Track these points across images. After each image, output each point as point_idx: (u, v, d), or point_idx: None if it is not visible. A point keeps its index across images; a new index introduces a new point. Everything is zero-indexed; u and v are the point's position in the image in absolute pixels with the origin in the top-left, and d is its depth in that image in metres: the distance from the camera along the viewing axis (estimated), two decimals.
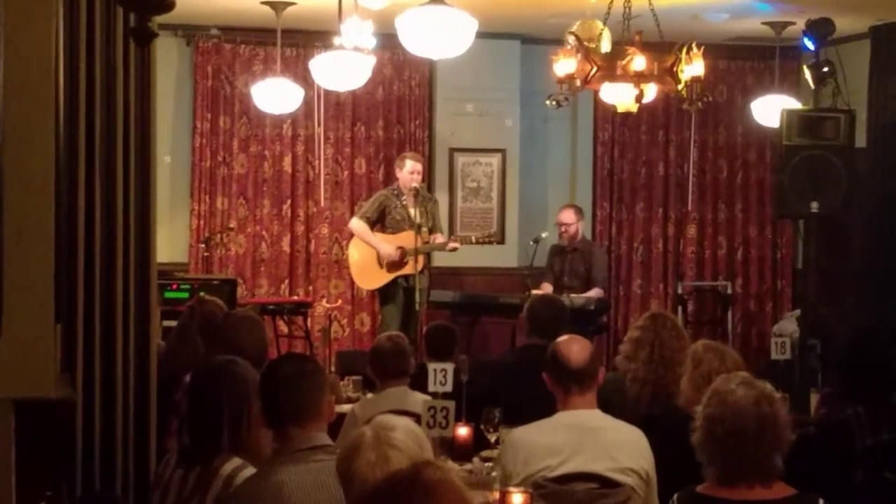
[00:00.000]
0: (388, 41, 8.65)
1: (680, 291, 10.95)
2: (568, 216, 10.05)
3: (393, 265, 9.33)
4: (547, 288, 9.74)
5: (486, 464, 4.86)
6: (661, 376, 5.41)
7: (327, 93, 10.03)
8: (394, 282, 9.37)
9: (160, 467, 4.03)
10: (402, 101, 10.83)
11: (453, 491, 2.32)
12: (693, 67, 7.22)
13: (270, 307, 9.62)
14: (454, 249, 9.48)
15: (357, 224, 9.55)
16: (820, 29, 7.58)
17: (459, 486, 2.34)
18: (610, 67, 7.18)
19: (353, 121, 10.75)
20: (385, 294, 9.51)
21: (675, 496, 3.55)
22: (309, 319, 10.13)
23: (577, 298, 9.44)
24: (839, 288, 10.33)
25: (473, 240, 9.63)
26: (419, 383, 5.51)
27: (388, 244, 9.34)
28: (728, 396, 3.45)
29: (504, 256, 10.80)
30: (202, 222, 10.42)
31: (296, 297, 10.31)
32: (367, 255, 9.44)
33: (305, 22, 9.67)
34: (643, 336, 5.57)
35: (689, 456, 3.60)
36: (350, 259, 9.72)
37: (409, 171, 9.38)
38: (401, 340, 5.81)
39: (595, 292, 9.78)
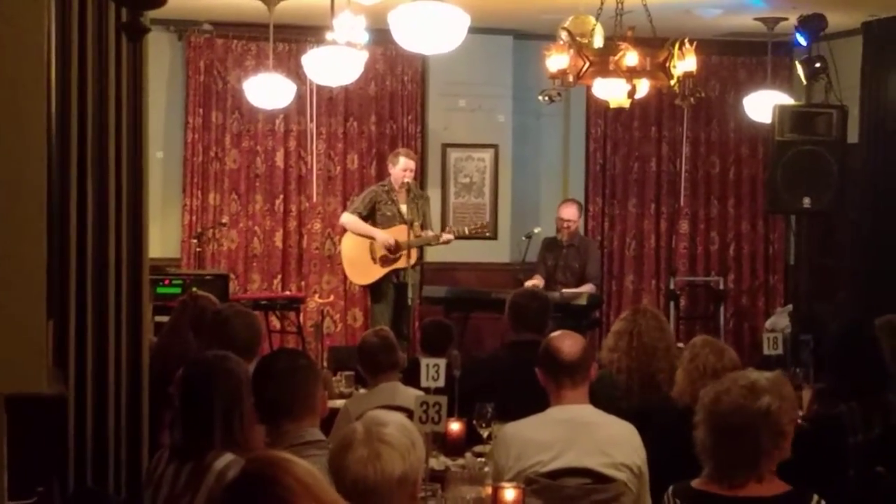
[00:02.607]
0: (380, 36, 8.65)
1: (672, 287, 10.95)
2: (571, 212, 9.97)
3: (386, 259, 9.29)
4: (538, 281, 9.65)
5: (479, 459, 4.86)
6: (644, 363, 5.44)
7: (320, 88, 10.02)
8: (385, 279, 9.32)
9: (152, 463, 4.02)
10: (395, 97, 10.82)
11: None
12: (685, 63, 7.22)
13: (263, 302, 9.57)
14: (447, 242, 9.40)
15: (348, 217, 9.51)
16: (812, 24, 7.61)
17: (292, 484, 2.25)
18: (602, 63, 7.18)
19: (345, 116, 10.74)
20: (375, 291, 9.47)
21: (671, 489, 3.55)
22: (301, 315, 10.11)
23: (570, 294, 9.42)
24: (831, 283, 10.34)
25: (467, 231, 9.58)
26: (412, 378, 5.51)
27: (383, 232, 9.29)
28: (724, 394, 3.46)
29: (496, 252, 10.80)
30: (194, 217, 10.41)
31: (288, 293, 10.30)
32: (359, 250, 9.39)
33: (298, 17, 9.66)
34: (623, 327, 5.61)
35: (683, 450, 3.61)
36: (343, 254, 9.69)
37: (402, 167, 9.33)
38: (387, 334, 5.81)
39: (588, 287, 9.74)
